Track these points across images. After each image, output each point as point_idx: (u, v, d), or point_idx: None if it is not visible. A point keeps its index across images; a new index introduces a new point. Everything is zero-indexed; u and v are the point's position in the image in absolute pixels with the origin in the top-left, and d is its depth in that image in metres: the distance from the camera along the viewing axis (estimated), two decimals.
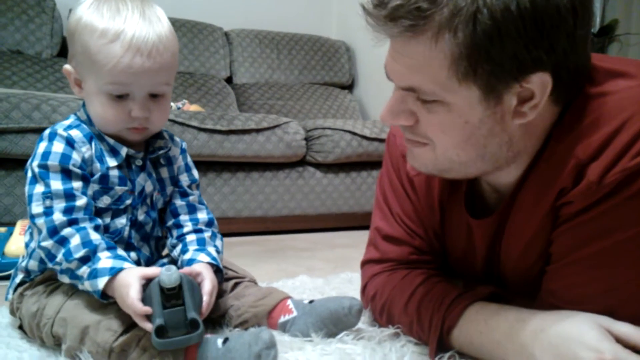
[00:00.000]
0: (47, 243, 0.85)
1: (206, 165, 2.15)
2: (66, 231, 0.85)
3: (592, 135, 0.71)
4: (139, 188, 0.96)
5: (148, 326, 0.79)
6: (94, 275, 0.83)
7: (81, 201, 0.88)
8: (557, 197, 0.75)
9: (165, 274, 0.78)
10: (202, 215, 1.05)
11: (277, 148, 2.22)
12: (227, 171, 2.21)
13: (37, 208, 0.87)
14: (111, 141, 0.94)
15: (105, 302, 0.84)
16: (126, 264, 0.84)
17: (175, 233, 1.03)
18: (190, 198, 1.05)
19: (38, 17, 2.54)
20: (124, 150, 0.94)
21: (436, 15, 0.66)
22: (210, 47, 2.95)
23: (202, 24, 2.96)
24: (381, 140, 2.37)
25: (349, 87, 3.31)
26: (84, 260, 0.84)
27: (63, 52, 2.64)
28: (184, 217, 1.04)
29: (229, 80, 3.03)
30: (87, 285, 0.84)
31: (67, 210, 0.86)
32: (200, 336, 0.79)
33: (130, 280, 0.81)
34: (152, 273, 0.82)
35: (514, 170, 0.80)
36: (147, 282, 0.82)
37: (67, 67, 0.94)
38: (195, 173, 1.09)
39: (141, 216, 0.98)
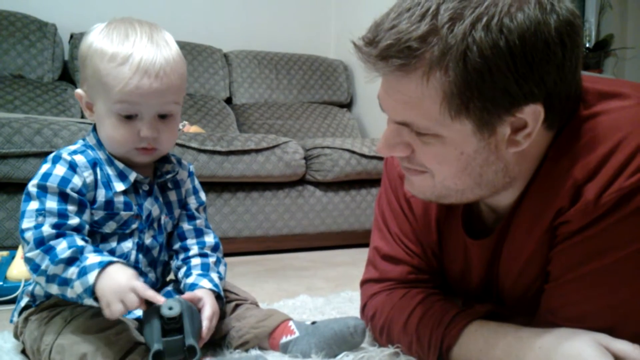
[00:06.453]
0: (33, 253, 0.84)
1: (206, 186, 2.15)
2: (53, 242, 0.84)
3: (588, 156, 0.72)
4: (145, 212, 0.97)
5: (159, 298, 0.80)
6: (83, 272, 0.81)
7: (73, 221, 0.87)
8: (555, 216, 0.75)
9: (167, 310, 0.79)
10: (209, 239, 1.06)
11: (277, 168, 2.23)
12: (227, 191, 2.21)
13: (28, 223, 0.86)
14: (120, 165, 0.95)
15: (97, 304, 0.81)
16: (115, 259, 0.83)
17: (180, 255, 1.04)
18: (197, 222, 1.06)
19: (39, 41, 2.56)
20: (132, 175, 0.95)
21: (427, 54, 0.66)
22: (209, 69, 2.98)
23: (202, 46, 2.99)
24: (380, 159, 2.37)
25: (348, 105, 3.33)
26: (71, 261, 0.82)
27: (64, 76, 2.66)
28: (190, 241, 1.04)
29: (228, 100, 3.05)
30: (77, 287, 0.81)
31: (57, 226, 0.86)
32: None
33: (133, 284, 0.80)
34: (151, 296, 0.81)
35: (512, 193, 0.81)
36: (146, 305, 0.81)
37: (78, 91, 0.95)
38: (203, 195, 1.09)
39: (148, 240, 0.99)
